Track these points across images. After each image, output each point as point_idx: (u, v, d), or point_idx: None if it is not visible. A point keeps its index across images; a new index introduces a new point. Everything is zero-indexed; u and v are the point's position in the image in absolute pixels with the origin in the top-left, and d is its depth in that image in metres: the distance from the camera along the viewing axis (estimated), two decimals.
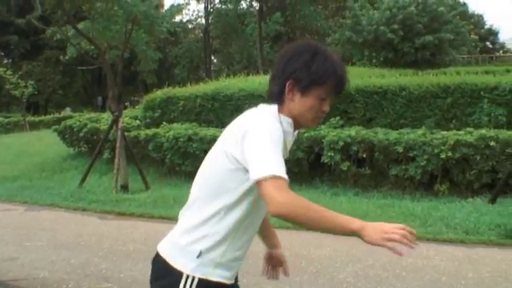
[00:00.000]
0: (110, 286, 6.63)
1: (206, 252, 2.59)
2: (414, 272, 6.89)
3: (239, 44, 56.07)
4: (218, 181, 2.58)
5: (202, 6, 65.44)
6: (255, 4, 49.91)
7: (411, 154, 12.04)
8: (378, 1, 31.18)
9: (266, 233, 3.22)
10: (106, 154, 16.26)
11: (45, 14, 15.71)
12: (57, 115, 43.74)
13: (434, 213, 9.92)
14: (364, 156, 12.62)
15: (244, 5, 54.63)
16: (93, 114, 22.55)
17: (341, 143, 12.61)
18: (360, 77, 17.10)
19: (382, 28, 28.88)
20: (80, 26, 15.35)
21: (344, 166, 12.72)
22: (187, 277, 2.59)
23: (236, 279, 2.85)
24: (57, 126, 19.50)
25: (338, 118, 14.22)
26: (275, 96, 2.65)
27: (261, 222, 2.80)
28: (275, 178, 2.31)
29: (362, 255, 7.74)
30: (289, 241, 8.65)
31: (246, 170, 2.45)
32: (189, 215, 2.70)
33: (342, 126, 13.93)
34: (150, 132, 15.89)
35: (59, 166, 17.67)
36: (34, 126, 38.75)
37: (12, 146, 24.27)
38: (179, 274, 2.60)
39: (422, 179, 12.00)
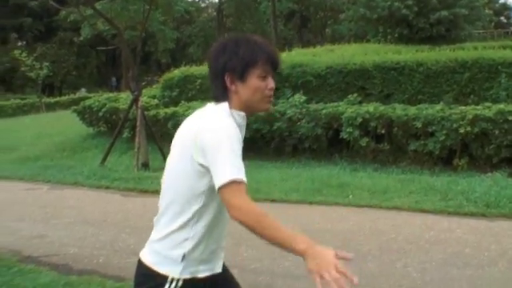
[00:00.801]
0: None
1: (188, 254, 2.67)
2: (437, 244, 6.98)
3: (253, 22, 55.94)
4: (187, 186, 2.64)
5: None
6: None
7: (430, 130, 12.10)
8: None
9: None
10: (125, 133, 16.43)
11: None
12: (72, 96, 43.94)
13: (453, 187, 9.97)
14: (383, 132, 12.70)
15: None
16: (111, 94, 22.71)
17: (359, 119, 12.70)
18: (376, 53, 17.14)
19: (396, 4, 28.75)
20: (97, 6, 15.42)
21: (363, 142, 12.81)
22: (172, 279, 2.67)
23: (224, 267, 2.92)
24: (76, 107, 19.67)
25: (355, 94, 14.31)
26: (221, 95, 2.70)
27: None
28: (234, 183, 2.40)
29: (385, 228, 7.86)
30: (311, 215, 8.81)
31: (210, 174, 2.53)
32: (164, 223, 2.76)
33: (360, 103, 13.99)
34: (169, 111, 16.02)
35: (79, 146, 17.86)
36: (50, 107, 39.01)
37: (31, 127, 24.50)
38: (164, 278, 2.68)
39: (440, 154, 12.08)
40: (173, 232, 2.69)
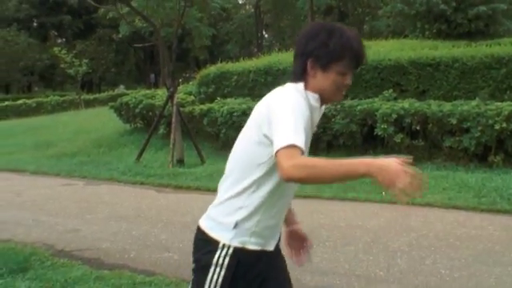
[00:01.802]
0: (171, 256, 6.84)
1: (241, 222, 2.73)
2: (468, 241, 6.95)
3: (290, 18, 55.91)
4: (249, 156, 2.72)
5: None
6: None
7: (465, 126, 11.99)
8: None
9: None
10: (161, 130, 16.55)
11: None
12: (111, 93, 44.37)
13: (487, 184, 9.90)
14: (417, 128, 12.62)
15: None
16: (148, 91, 22.88)
17: (394, 115, 12.64)
18: (412, 49, 17.02)
19: None
20: (133, 3, 15.54)
21: (397, 138, 12.75)
22: (223, 246, 2.74)
23: (278, 247, 2.98)
24: (113, 103, 19.85)
25: (390, 90, 14.25)
26: (298, 75, 2.78)
27: (293, 191, 2.91)
28: (289, 147, 2.42)
29: (417, 225, 7.83)
30: (343, 212, 8.81)
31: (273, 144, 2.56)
32: (224, 188, 2.85)
33: (396, 99, 13.92)
34: (204, 107, 16.11)
35: (116, 142, 18.04)
36: (88, 104, 39.40)
37: (69, 124, 24.79)
38: (216, 244, 2.76)
39: (476, 150, 11.97)
40: (229, 198, 2.79)
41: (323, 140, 13.75)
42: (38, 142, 20.37)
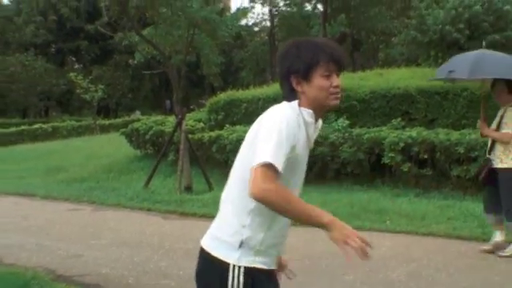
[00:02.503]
0: (168, 283, 6.87)
1: (246, 241, 2.76)
2: (468, 272, 6.94)
3: None
4: (247, 172, 2.71)
5: (266, 9, 65.50)
6: (319, 6, 49.88)
7: (473, 155, 11.95)
8: (443, 0, 30.75)
9: None
10: (170, 156, 16.59)
11: (111, 20, 16.17)
12: (126, 118, 44.60)
13: None
14: (425, 157, 12.58)
15: (309, 7, 54.71)
16: (159, 117, 23.00)
17: (401, 144, 12.62)
18: (423, 78, 17.03)
19: (447, 27, 28.46)
20: (145, 31, 15.70)
21: (405, 167, 12.72)
22: (233, 266, 2.75)
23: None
24: (124, 129, 19.96)
25: (399, 119, 14.24)
26: (289, 95, 2.88)
27: (298, 176, 2.93)
28: (266, 166, 2.55)
29: (418, 255, 7.81)
30: None
31: None
32: (226, 208, 2.88)
33: (404, 127, 13.91)
34: (213, 134, 16.15)
35: (126, 168, 18.11)
36: (104, 129, 39.62)
37: (82, 149, 24.92)
38: (225, 265, 2.76)
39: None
40: (231, 218, 2.82)
41: (331, 168, 13.74)
42: (50, 167, 20.48)
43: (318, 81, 2.79)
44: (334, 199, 11.86)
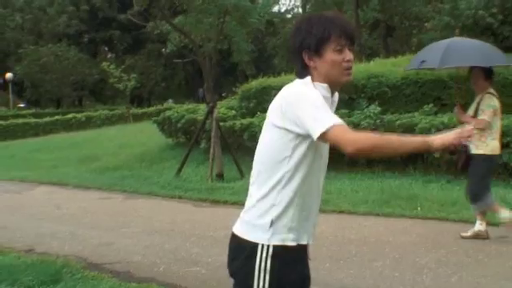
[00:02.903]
0: (199, 270, 6.89)
1: (277, 220, 2.75)
2: (497, 258, 6.87)
3: None
4: (273, 153, 2.77)
5: None
6: None
7: (505, 140, 11.80)
8: None
9: None
10: (202, 144, 16.63)
11: (141, 10, 16.23)
12: (159, 107, 44.71)
13: None
14: None
15: None
16: (190, 106, 23.05)
17: (433, 130, 12.48)
18: None
19: (480, 12, 28.13)
20: (176, 20, 15.71)
21: (437, 154, 12.60)
22: (262, 247, 2.75)
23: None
24: (156, 118, 20.05)
25: (431, 104, 14.10)
26: (301, 72, 2.84)
27: (322, 180, 2.94)
28: (336, 126, 2.56)
29: (448, 241, 7.76)
30: (375, 227, 8.76)
31: (296, 137, 2.68)
32: (254, 190, 2.87)
33: (436, 113, 13.78)
34: (245, 122, 16.15)
35: (158, 157, 18.22)
36: (137, 118, 39.75)
37: (115, 138, 25.11)
38: (254, 248, 2.76)
39: None
40: (260, 199, 2.81)
41: None
42: (83, 156, 20.69)
43: (330, 55, 2.77)
44: (366, 186, 11.84)
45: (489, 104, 7.93)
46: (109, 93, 62.03)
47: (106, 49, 71.94)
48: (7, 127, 38.50)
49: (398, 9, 48.21)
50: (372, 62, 21.45)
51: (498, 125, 8.03)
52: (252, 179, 2.92)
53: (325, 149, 2.89)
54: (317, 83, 2.79)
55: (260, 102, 17.70)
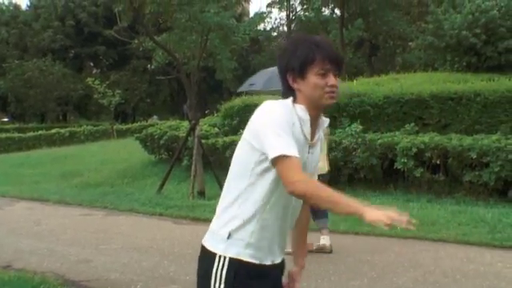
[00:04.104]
0: None
1: (234, 232, 2.75)
2: (474, 278, 6.90)
3: None
4: (240, 165, 2.81)
5: (284, 14, 65.57)
6: (337, 11, 49.91)
7: (485, 160, 11.91)
8: (460, 5, 30.64)
9: (302, 237, 3.37)
10: (185, 161, 16.63)
11: (125, 27, 16.26)
12: (144, 123, 44.65)
13: (504, 219, 9.86)
14: (438, 162, 12.55)
15: (326, 12, 54.68)
16: (173, 122, 23.01)
17: (414, 149, 12.58)
18: (443, 81, 16.99)
19: (464, 32, 28.34)
20: (161, 37, 15.76)
21: (417, 173, 12.69)
22: (219, 257, 2.76)
23: (279, 270, 3.01)
24: (139, 134, 20.04)
25: (412, 124, 14.20)
26: (286, 93, 2.86)
27: (289, 202, 2.86)
28: (285, 157, 2.57)
29: (425, 261, 7.80)
30: (354, 246, 8.79)
31: (260, 152, 2.69)
32: (221, 201, 2.91)
33: (417, 133, 13.87)
34: (227, 139, 16.17)
35: (140, 173, 18.19)
36: (121, 134, 39.67)
37: (97, 154, 25.07)
38: (213, 256, 2.78)
39: (495, 185, 11.88)
40: (223, 210, 2.84)
41: (344, 173, 13.73)
42: (65, 172, 20.64)
43: (313, 79, 2.76)
44: None
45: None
46: (93, 108, 61.90)
47: (92, 64, 71.93)
48: None
49: (383, 28, 48.66)
50: (355, 81, 21.58)
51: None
52: (223, 191, 2.94)
53: (303, 153, 2.85)
54: (297, 105, 2.79)
55: (243, 120, 17.70)
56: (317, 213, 7.96)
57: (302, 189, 2.57)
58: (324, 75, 2.76)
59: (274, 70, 9.47)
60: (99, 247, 9.35)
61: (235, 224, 2.75)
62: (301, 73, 2.77)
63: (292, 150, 2.59)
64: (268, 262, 2.87)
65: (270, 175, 2.72)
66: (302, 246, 3.39)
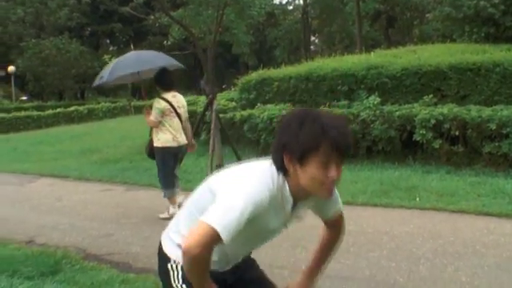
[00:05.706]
0: None
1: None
2: (494, 249, 6.89)
3: (338, 23, 55.80)
4: (197, 207, 2.78)
5: None
6: None
7: (504, 131, 11.84)
8: None
9: (318, 255, 3.27)
10: (202, 136, 16.68)
11: (141, 3, 16.29)
12: None
13: None
14: (457, 133, 12.48)
15: None
16: (191, 97, 23.02)
17: (433, 121, 12.52)
18: (461, 53, 16.83)
19: (482, 2, 28.04)
20: (175, 13, 15.74)
21: (436, 144, 12.63)
22: (174, 261, 2.86)
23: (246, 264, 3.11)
24: None
25: (431, 95, 14.10)
26: (278, 166, 2.60)
27: (259, 233, 2.83)
28: (212, 229, 2.45)
29: (445, 232, 7.79)
30: (373, 218, 8.80)
31: None
32: (182, 210, 2.99)
33: (436, 104, 13.78)
34: (245, 113, 16.19)
35: None
36: (139, 110, 39.73)
37: (116, 130, 25.18)
38: (168, 258, 2.90)
39: None
40: (180, 221, 2.93)
41: (362, 146, 13.69)
42: (84, 149, 20.76)
43: (313, 170, 2.47)
44: (365, 177, 11.86)
45: (155, 107, 9.56)
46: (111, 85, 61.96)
47: (108, 41, 71.94)
48: (10, 120, 38.52)
49: None
50: (372, 54, 21.44)
51: (169, 122, 9.69)
52: (188, 201, 2.97)
53: (271, 224, 2.74)
54: (285, 188, 2.61)
55: (260, 94, 17.73)
56: (162, 183, 9.75)
57: (187, 259, 2.53)
58: (326, 164, 2.47)
59: (118, 59, 10.55)
60: (120, 221, 9.45)
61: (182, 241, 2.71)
62: (300, 159, 2.48)
63: (224, 233, 2.44)
64: (228, 267, 2.94)
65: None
66: (314, 265, 3.26)
